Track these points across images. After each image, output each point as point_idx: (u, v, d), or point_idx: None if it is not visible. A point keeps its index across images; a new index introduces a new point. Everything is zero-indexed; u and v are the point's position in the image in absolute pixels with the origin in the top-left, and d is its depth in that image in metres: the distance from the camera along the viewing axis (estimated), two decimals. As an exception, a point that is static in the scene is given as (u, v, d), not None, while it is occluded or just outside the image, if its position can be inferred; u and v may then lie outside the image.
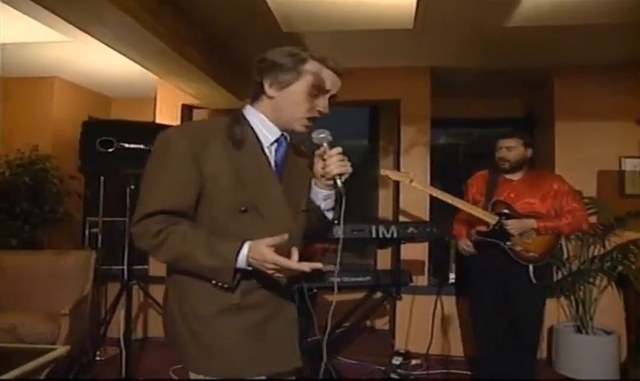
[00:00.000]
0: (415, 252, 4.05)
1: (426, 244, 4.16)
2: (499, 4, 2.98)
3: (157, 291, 4.04)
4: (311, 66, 1.36)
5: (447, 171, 3.80)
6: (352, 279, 2.75)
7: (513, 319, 3.08)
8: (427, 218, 4.08)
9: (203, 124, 1.49)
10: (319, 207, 1.48)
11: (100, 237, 4.02)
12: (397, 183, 4.52)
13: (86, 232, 4.52)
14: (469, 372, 3.66)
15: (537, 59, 3.96)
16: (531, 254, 3.00)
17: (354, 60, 4.16)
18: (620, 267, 3.75)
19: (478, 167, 3.39)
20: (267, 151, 1.41)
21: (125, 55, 3.04)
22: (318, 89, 1.37)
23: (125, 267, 3.44)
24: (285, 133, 1.44)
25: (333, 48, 3.86)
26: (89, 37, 2.79)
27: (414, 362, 3.76)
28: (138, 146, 3.23)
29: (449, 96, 4.69)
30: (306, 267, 1.25)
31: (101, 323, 3.64)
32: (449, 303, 4.06)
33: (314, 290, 2.51)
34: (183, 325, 1.36)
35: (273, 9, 3.05)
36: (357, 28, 3.36)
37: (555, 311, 3.96)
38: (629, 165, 3.82)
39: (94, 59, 4.04)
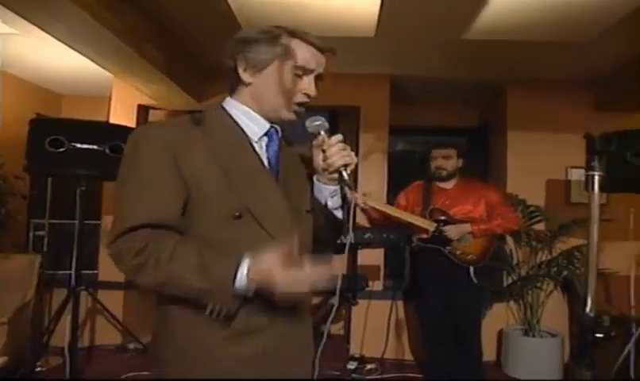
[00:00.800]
0: (371, 257, 4.10)
1: (382, 250, 4.21)
2: (458, 17, 3.07)
3: (107, 297, 3.90)
4: (287, 41, 1.19)
5: (404, 177, 3.86)
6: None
7: (456, 322, 3.24)
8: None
9: (179, 121, 1.22)
10: (326, 206, 1.30)
11: (46, 240, 3.82)
12: (356, 188, 4.60)
13: (31, 235, 4.28)
14: (422, 376, 3.72)
15: (491, 71, 4.11)
16: (470, 256, 3.20)
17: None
18: (565, 272, 3.93)
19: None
20: (256, 147, 1.23)
21: (80, 52, 2.92)
22: (299, 69, 1.20)
23: (73, 272, 3.27)
24: (275, 126, 1.26)
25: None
26: (39, 31, 2.65)
27: (368, 366, 3.79)
28: (91, 147, 3.10)
29: (408, 104, 4.79)
30: (327, 272, 1.06)
31: (44, 332, 3.46)
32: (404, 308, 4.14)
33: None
34: (173, 357, 1.15)
35: (235, 11, 3.01)
36: (319, 33, 3.35)
37: (504, 315, 4.10)
38: (575, 175, 4.02)
39: (44, 54, 3.85)
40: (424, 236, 3.24)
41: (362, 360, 3.86)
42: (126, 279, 1.13)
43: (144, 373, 3.44)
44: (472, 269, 3.19)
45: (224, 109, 1.24)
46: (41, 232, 3.97)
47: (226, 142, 1.18)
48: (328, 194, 1.29)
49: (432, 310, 3.28)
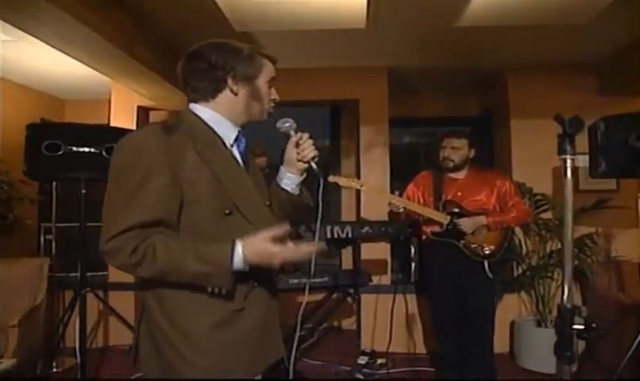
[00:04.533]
0: (378, 251, 4.05)
1: (388, 244, 4.16)
2: (446, 4, 3.01)
3: (117, 298, 3.95)
4: (263, 59, 1.41)
5: (408, 169, 3.80)
6: (311, 280, 2.71)
7: (469, 315, 3.12)
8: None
9: (161, 126, 1.32)
10: (292, 194, 1.52)
11: (54, 244, 3.89)
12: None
13: (41, 239, 4.37)
14: (433, 369, 3.68)
15: (490, 58, 4.02)
16: (485, 250, 3.06)
17: (311, 60, 4.16)
18: (576, 261, 3.82)
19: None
20: (231, 149, 1.39)
21: (69, 55, 2.95)
22: (272, 81, 1.42)
23: (79, 274, 3.32)
24: (240, 129, 1.43)
25: (289, 47, 3.84)
26: (34, 37, 2.69)
27: (379, 361, 3.76)
28: (88, 149, 3.13)
29: (408, 95, 4.72)
30: (314, 247, 1.29)
31: (55, 333, 3.52)
32: (413, 301, 4.08)
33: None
34: (169, 346, 1.24)
35: (224, 9, 3.00)
36: (310, 27, 3.34)
37: (516, 306, 4.02)
38: (582, 161, 3.88)
39: (43, 60, 3.90)
40: (437, 229, 3.11)
41: (372, 355, 3.83)
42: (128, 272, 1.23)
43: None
44: (486, 263, 3.04)
45: (195, 114, 1.36)
46: (51, 236, 4.04)
47: (209, 146, 1.31)
48: (297, 184, 1.52)
49: (444, 304, 3.16)
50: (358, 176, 4.94)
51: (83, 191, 3.25)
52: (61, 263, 3.91)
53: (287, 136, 1.48)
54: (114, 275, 4.17)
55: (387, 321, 3.79)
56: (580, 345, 3.79)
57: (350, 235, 2.76)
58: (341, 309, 3.98)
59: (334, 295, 3.50)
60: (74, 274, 3.73)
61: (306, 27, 3.32)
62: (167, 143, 1.23)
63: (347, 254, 4.97)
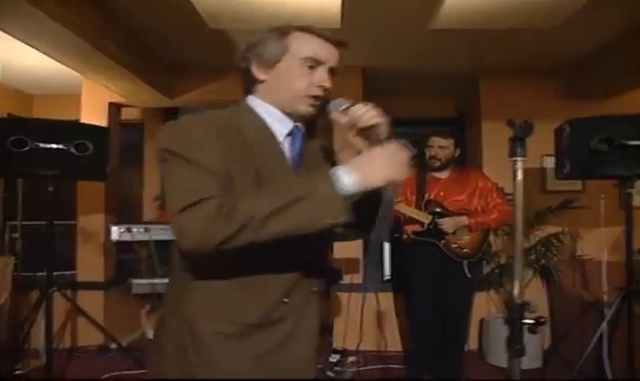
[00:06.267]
0: (349, 250, 4.08)
1: (361, 242, 4.19)
2: (418, 7, 3.05)
3: (87, 297, 3.88)
4: (296, 37, 1.21)
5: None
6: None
7: (447, 315, 3.14)
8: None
9: (216, 114, 1.20)
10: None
11: (19, 242, 3.79)
12: None
13: (6, 238, 4.24)
14: (404, 366, 3.72)
15: (462, 61, 4.09)
16: (465, 250, 3.09)
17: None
18: (543, 260, 3.93)
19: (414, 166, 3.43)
20: (282, 146, 1.23)
21: (36, 48, 2.87)
22: (309, 60, 1.19)
23: (46, 273, 3.25)
24: (298, 124, 1.25)
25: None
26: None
27: (350, 359, 3.78)
28: (56, 146, 3.06)
29: (383, 96, 4.73)
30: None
31: (19, 334, 3.43)
32: (386, 299, 4.12)
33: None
34: (180, 346, 1.16)
35: (197, 6, 2.97)
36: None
37: (485, 304, 4.10)
38: (550, 163, 4.00)
39: (11, 53, 3.79)
40: (418, 228, 3.12)
41: (344, 353, 3.86)
42: (195, 248, 1.05)
43: (125, 372, 3.43)
44: (465, 263, 3.07)
45: (248, 106, 1.25)
46: (16, 235, 3.93)
47: (258, 140, 1.19)
48: None
49: (423, 304, 3.16)
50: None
51: (50, 189, 3.18)
52: (27, 262, 3.81)
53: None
54: (83, 274, 4.10)
55: (358, 320, 3.83)
56: (547, 342, 3.92)
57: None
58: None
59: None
60: (40, 273, 3.66)
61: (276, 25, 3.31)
62: (219, 125, 1.15)
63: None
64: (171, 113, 5.00)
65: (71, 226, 4.19)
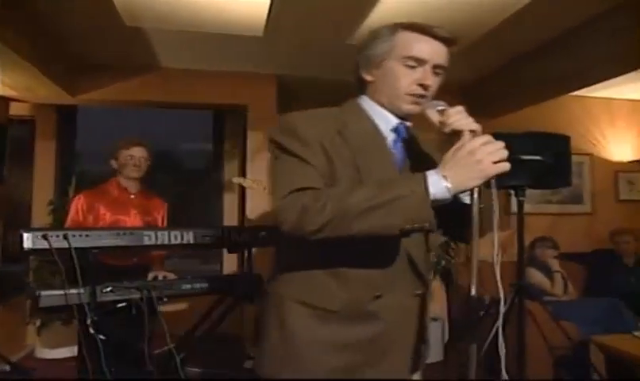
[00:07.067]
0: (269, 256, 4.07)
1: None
2: (344, 23, 3.18)
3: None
4: (401, 35, 1.23)
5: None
6: (204, 285, 2.63)
7: None
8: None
9: (325, 112, 1.28)
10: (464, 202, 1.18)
11: None
12: (242, 188, 4.56)
13: None
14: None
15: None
16: None
17: (202, 63, 4.07)
18: (443, 262, 4.27)
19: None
20: (387, 143, 1.27)
21: None
22: (410, 59, 1.21)
23: None
24: (405, 122, 1.29)
25: (180, 47, 3.71)
26: None
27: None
28: None
29: (297, 104, 4.82)
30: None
31: None
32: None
33: (165, 299, 2.36)
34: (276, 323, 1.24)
35: (115, 2, 2.80)
36: (206, 30, 3.27)
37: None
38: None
39: None
40: None
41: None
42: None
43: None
44: None
45: (359, 105, 1.31)
46: None
47: (362, 137, 1.23)
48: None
49: None
50: (244, 181, 4.95)
51: None
52: None
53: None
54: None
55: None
56: (446, 338, 4.27)
57: (247, 239, 2.70)
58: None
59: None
60: None
61: (201, 29, 3.24)
62: (325, 124, 1.22)
63: (228, 260, 4.93)
64: (66, 111, 4.60)
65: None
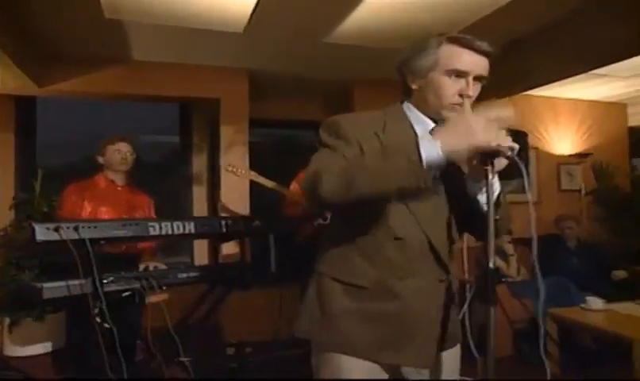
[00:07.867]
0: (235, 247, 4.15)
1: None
2: (324, 23, 3.33)
3: None
4: (445, 48, 1.30)
5: (265, 166, 3.97)
6: (200, 274, 2.71)
7: None
8: (248, 213, 4.24)
9: (367, 114, 1.41)
10: (475, 200, 1.35)
11: None
12: (212, 180, 4.76)
13: None
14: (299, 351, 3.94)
15: (342, 71, 4.49)
16: None
17: (177, 57, 4.09)
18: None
19: (293, 164, 3.55)
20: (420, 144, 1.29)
21: None
22: (452, 72, 1.29)
23: None
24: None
25: (157, 41, 3.72)
26: None
27: (247, 349, 3.88)
28: None
29: (268, 98, 4.92)
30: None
31: None
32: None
33: (164, 288, 2.43)
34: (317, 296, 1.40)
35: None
36: (187, 25, 3.31)
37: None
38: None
39: None
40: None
41: (240, 345, 3.92)
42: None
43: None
44: None
45: (401, 109, 1.42)
46: None
47: (398, 136, 1.31)
48: (477, 189, 1.34)
49: None
50: (213, 174, 4.98)
51: None
52: None
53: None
54: None
55: (248, 313, 3.97)
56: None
57: (243, 229, 2.77)
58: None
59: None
60: None
61: (183, 24, 3.28)
62: (364, 126, 1.33)
63: (201, 251, 4.95)
64: (25, 102, 4.43)
65: None
